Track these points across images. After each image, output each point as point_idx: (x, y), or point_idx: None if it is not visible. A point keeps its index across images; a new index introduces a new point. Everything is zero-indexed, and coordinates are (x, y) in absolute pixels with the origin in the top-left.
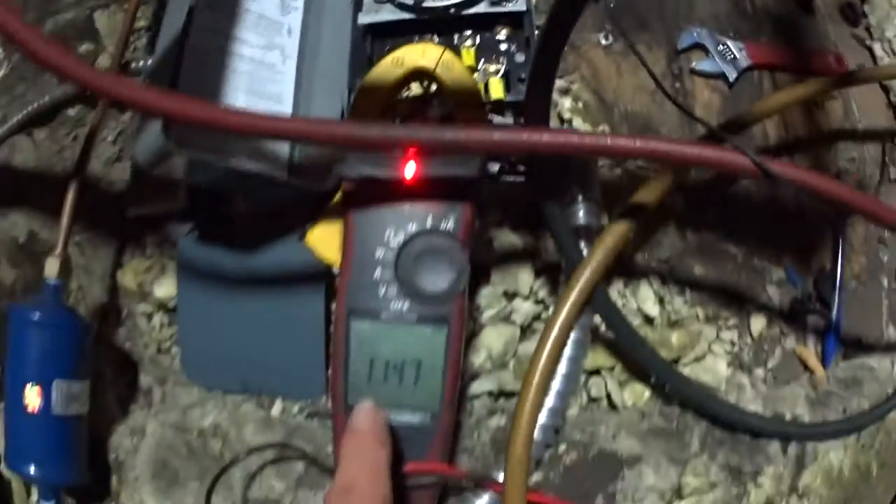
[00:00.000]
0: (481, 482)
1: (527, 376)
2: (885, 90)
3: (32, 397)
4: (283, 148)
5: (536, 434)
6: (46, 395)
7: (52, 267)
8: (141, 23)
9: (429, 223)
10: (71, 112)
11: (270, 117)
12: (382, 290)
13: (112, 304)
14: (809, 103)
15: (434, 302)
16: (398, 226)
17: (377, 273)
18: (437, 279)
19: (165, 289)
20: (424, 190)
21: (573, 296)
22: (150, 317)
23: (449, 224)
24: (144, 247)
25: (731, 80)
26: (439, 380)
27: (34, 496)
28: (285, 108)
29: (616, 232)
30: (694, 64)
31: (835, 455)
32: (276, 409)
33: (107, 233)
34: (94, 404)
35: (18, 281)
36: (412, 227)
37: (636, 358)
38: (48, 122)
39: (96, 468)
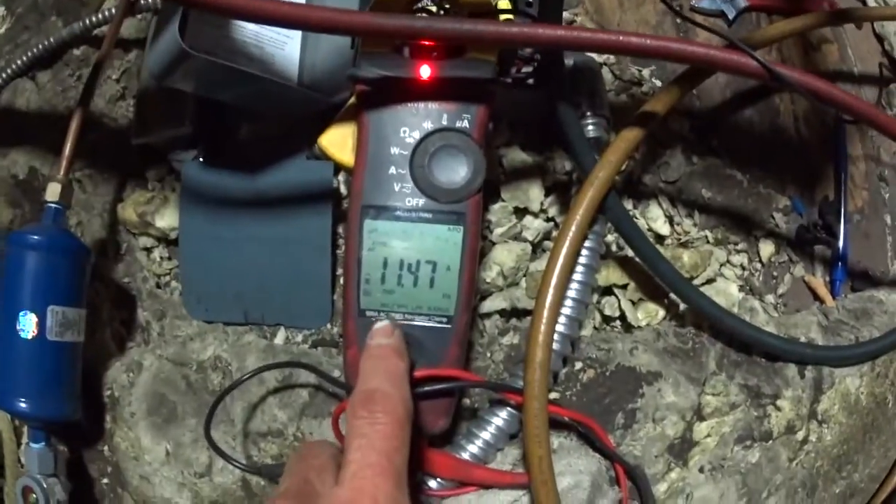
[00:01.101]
0: (499, 389)
1: (545, 276)
2: (880, 39)
3: (27, 324)
4: (293, 55)
5: (554, 343)
6: (41, 322)
7: (53, 190)
8: None
9: (444, 121)
10: (76, 52)
11: (292, 4)
12: (397, 187)
13: (111, 239)
14: (807, 45)
15: (450, 198)
16: (413, 124)
17: (392, 169)
18: (453, 174)
19: (167, 220)
20: (440, 90)
21: (589, 195)
22: (149, 251)
23: (464, 123)
24: (146, 181)
25: (730, 18)
26: (455, 281)
27: (23, 446)
28: (294, 39)
29: (628, 137)
30: (693, 2)
31: (851, 382)
32: (280, 338)
33: (107, 169)
34: (89, 341)
35: (16, 221)
36: (427, 125)
37: (647, 264)
38: (52, 65)
39: (89, 408)
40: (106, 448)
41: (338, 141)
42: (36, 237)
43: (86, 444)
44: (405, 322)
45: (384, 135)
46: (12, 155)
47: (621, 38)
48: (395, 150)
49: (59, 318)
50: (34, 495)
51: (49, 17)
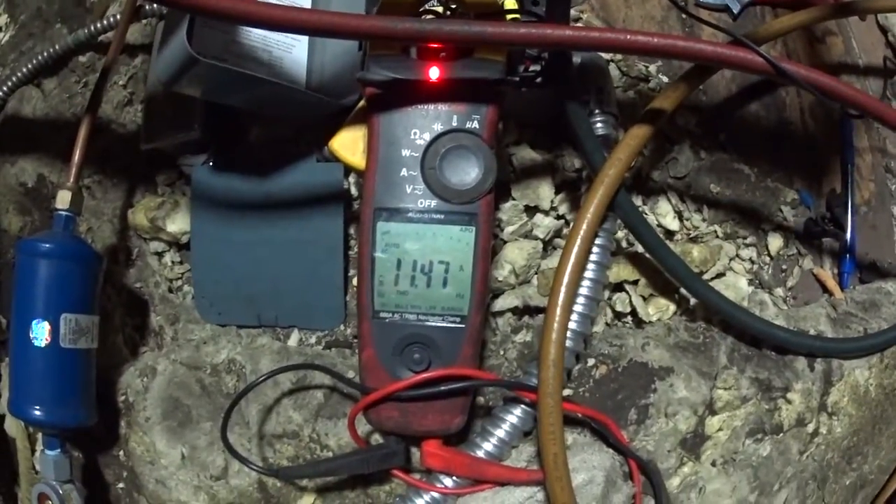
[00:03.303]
0: (513, 387)
1: (557, 274)
2: (884, 31)
3: (40, 332)
4: (300, 59)
5: (567, 340)
6: (55, 330)
7: (63, 197)
8: None
9: (454, 122)
10: (82, 59)
11: (300, 10)
12: (409, 188)
13: (122, 244)
14: (812, 37)
15: (461, 199)
16: (423, 126)
17: (403, 171)
18: (464, 175)
19: (178, 224)
20: (449, 91)
21: (599, 193)
22: (161, 255)
23: (474, 124)
24: (156, 185)
25: (735, 12)
26: (468, 281)
27: (38, 452)
28: (302, 42)
29: (637, 135)
30: None
31: (860, 373)
32: (293, 340)
33: (117, 175)
34: (102, 346)
35: (26, 229)
36: (438, 127)
37: (657, 260)
38: (57, 72)
39: (103, 413)
40: (121, 453)
41: (349, 144)
42: (47, 245)
43: (100, 450)
44: (419, 322)
45: (395, 137)
46: (20, 163)
47: (629, 37)
48: (405, 153)
49: (72, 326)
50: (50, 502)
51: (53, 25)
